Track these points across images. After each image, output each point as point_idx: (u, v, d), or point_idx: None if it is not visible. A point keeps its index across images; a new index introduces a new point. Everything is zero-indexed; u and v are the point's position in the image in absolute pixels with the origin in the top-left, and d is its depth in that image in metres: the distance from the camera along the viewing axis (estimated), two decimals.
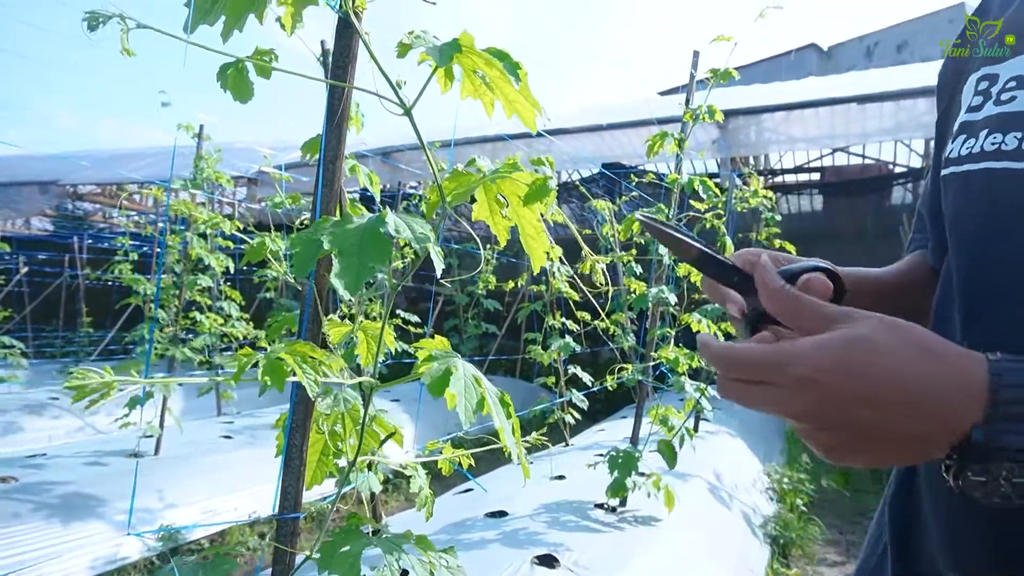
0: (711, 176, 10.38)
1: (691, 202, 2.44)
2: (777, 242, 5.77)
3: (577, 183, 8.85)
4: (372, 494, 1.52)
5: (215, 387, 5.08)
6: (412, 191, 8.93)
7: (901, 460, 0.45)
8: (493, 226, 0.88)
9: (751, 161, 10.34)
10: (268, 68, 0.77)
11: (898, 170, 9.62)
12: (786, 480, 4.07)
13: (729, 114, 8.30)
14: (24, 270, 9.42)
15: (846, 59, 24.44)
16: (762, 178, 11.05)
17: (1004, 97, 0.59)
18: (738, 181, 5.97)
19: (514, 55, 0.74)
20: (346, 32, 0.79)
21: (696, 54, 2.53)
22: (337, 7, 0.77)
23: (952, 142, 0.63)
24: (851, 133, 8.29)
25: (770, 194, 4.79)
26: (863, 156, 10.15)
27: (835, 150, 10.01)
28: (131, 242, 5.53)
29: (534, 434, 1.50)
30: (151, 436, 3.68)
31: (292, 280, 2.10)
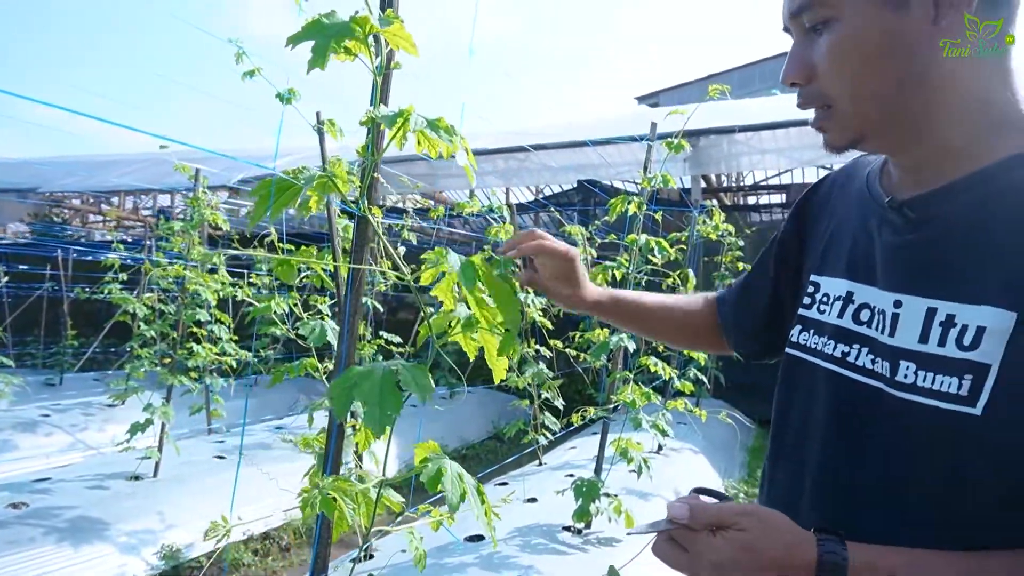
0: (684, 191, 10.73)
1: (649, 257, 2.74)
2: (740, 264, 6.13)
3: (552, 208, 9.10)
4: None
5: (206, 405, 5.31)
6: (398, 207, 9.16)
7: None
8: (464, 345, 1.18)
9: (723, 179, 10.74)
10: (290, 266, 1.05)
11: None
12: (742, 495, 4.41)
13: (700, 133, 8.65)
14: (4, 280, 9.50)
15: None
16: (732, 195, 11.44)
17: (822, 307, 0.88)
18: (713, 201, 6.31)
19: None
20: (363, 223, 1.08)
21: (654, 126, 2.83)
22: (358, 209, 1.05)
23: (793, 326, 0.92)
24: (818, 147, 8.75)
25: (730, 227, 5.14)
26: (830, 170, 10.60)
27: (804, 166, 10.46)
28: (120, 256, 5.72)
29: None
30: (149, 458, 3.91)
31: (293, 335, 2.36)
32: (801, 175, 10.72)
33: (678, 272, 4.48)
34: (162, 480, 3.91)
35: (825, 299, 0.87)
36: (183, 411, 5.29)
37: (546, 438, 4.21)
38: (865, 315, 0.80)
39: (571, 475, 3.93)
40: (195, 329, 4.08)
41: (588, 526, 2.87)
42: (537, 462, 4.42)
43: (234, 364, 4.57)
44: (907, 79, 0.71)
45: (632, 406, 2.67)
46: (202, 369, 4.82)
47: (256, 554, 3.80)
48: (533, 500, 3.32)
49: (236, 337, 5.09)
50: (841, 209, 0.92)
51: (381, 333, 5.27)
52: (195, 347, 4.01)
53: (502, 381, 1.25)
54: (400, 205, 10.97)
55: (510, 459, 4.30)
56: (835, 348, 0.83)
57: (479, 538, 2.73)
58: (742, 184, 11.25)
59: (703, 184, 10.59)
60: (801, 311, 0.91)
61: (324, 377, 2.42)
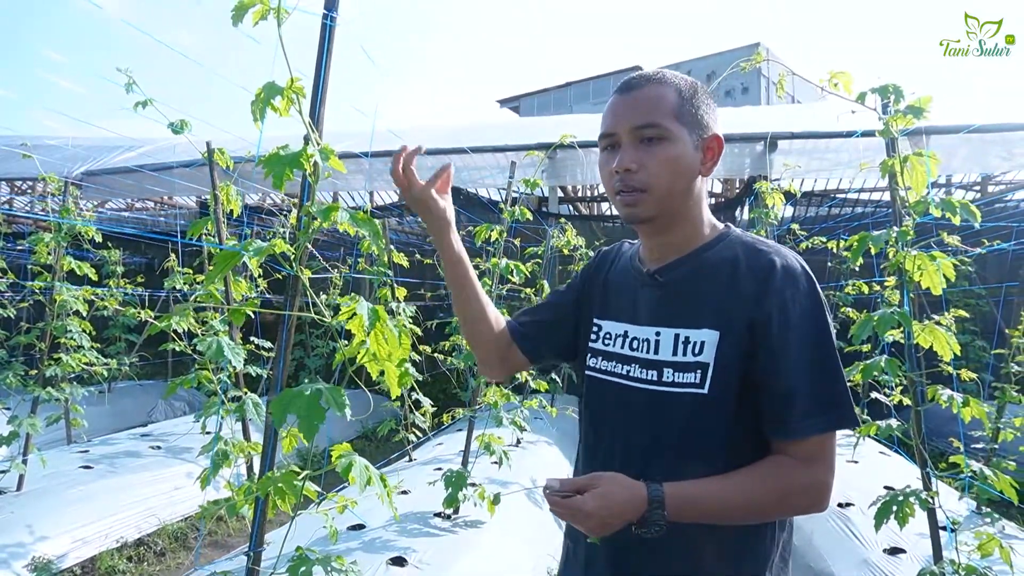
0: (542, 200, 11.42)
1: (509, 278, 3.20)
2: None
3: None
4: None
5: (65, 415, 5.18)
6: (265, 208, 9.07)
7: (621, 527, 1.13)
8: (370, 368, 1.55)
9: (579, 188, 11.55)
10: (241, 313, 1.38)
11: None
12: None
13: (557, 146, 9.29)
14: None
15: None
16: (587, 204, 12.28)
17: (606, 342, 1.33)
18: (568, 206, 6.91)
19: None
20: (295, 280, 1.42)
21: (513, 164, 3.30)
22: (292, 271, 1.39)
23: (590, 358, 1.36)
24: None
25: (581, 241, 5.74)
26: None
27: None
28: None
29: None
30: (7, 472, 3.86)
31: (191, 351, 2.58)
32: None
33: (535, 286, 4.96)
34: (28, 493, 3.88)
35: (608, 336, 1.31)
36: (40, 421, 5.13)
37: (416, 436, 4.58)
38: (635, 344, 1.26)
39: (439, 468, 4.33)
40: (63, 340, 4.06)
41: (456, 512, 3.30)
42: (407, 458, 4.78)
43: (105, 373, 4.54)
44: (688, 190, 1.19)
45: (495, 406, 3.12)
46: (62, 378, 4.74)
47: (131, 560, 3.87)
48: (406, 492, 3.69)
49: (97, 344, 5.02)
50: (612, 276, 1.37)
51: (252, 338, 5.37)
52: (64, 357, 3.99)
53: (373, 383, 1.62)
54: (263, 204, 10.83)
55: (381, 457, 4.62)
56: (621, 368, 1.28)
57: (360, 527, 3.07)
58: (596, 194, 12.14)
59: (560, 193, 11.35)
60: (591, 344, 1.34)
61: (218, 387, 2.65)
